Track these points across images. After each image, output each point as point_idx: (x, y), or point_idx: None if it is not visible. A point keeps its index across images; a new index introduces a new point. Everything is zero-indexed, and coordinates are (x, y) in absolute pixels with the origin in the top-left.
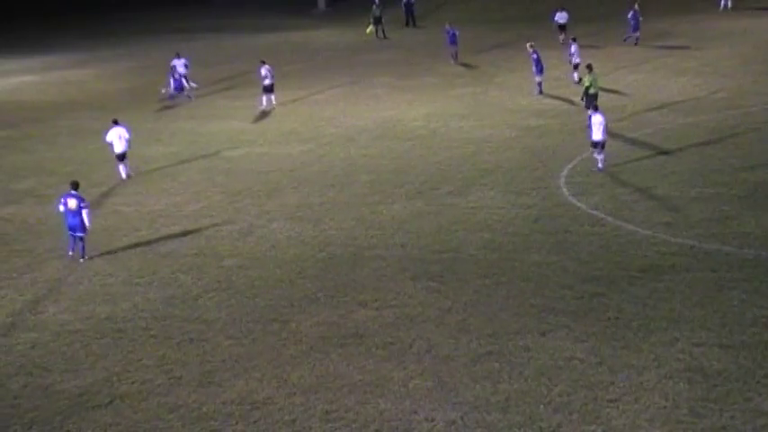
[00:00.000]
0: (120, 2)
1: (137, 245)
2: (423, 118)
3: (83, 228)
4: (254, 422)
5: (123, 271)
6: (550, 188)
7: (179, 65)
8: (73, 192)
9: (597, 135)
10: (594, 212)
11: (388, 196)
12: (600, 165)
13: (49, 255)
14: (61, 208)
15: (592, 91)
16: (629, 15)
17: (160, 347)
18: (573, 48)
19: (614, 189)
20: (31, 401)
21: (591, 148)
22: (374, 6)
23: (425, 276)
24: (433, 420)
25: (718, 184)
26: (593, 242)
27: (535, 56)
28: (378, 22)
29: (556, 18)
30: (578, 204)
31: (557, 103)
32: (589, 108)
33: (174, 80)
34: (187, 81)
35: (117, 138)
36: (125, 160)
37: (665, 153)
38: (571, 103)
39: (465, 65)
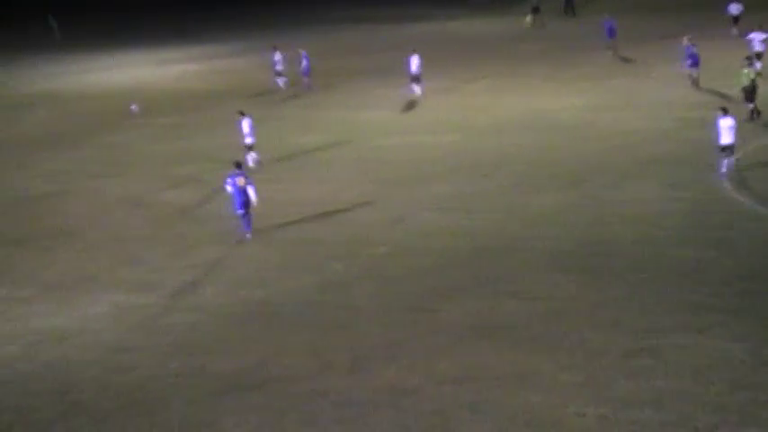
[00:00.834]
0: None
1: (291, 231)
2: (577, 109)
3: (249, 204)
4: (403, 410)
5: (277, 256)
6: (709, 181)
7: (278, 58)
8: (238, 171)
9: (726, 139)
10: (757, 207)
11: (540, 187)
12: (724, 170)
13: (209, 239)
14: (229, 188)
15: (746, 83)
16: None
17: (312, 333)
18: (754, 35)
19: None
20: (190, 380)
21: (718, 153)
22: None
23: (577, 269)
24: (583, 415)
25: None
26: (755, 238)
27: (691, 50)
28: (536, 11)
29: (729, 9)
30: (740, 199)
31: (717, 95)
32: (750, 102)
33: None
34: (279, 75)
35: (248, 128)
36: (252, 150)
37: None
38: (724, 98)
39: (622, 56)
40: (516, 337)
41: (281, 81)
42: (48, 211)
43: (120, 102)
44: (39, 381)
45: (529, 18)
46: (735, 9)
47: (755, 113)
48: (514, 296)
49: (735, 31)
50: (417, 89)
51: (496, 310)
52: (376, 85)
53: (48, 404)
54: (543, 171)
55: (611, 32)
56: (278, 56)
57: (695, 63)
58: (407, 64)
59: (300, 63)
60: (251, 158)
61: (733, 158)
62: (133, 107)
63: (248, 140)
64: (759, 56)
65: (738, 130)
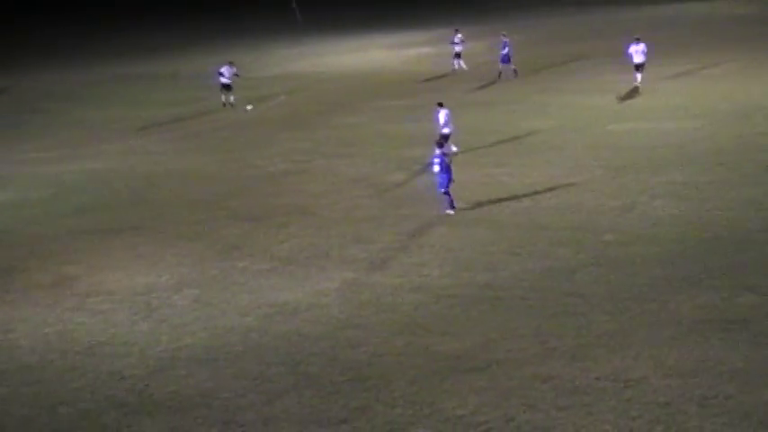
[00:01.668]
0: None
1: (518, 215)
2: None
3: (445, 184)
4: (627, 400)
5: (504, 240)
6: None
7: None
8: (440, 152)
9: None
10: None
11: None
12: None
13: (436, 220)
14: (436, 168)
15: None
16: None
17: (536, 318)
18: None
19: None
20: (414, 359)
21: None
22: None
23: None
24: None
25: None
26: None
27: None
28: None
29: None
30: None
31: None
32: None
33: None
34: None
35: (444, 118)
36: (448, 140)
37: None
38: None
39: None
40: (752, 332)
41: (456, 63)
42: (284, 189)
43: (356, 84)
44: (272, 352)
45: None
46: None
47: None
48: (751, 290)
49: None
50: (639, 78)
51: (730, 304)
52: (608, 70)
53: (280, 375)
54: None
55: None
56: (457, 38)
57: None
58: (626, 52)
59: (502, 49)
60: (449, 149)
61: None
62: (248, 107)
63: (445, 130)
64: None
65: None
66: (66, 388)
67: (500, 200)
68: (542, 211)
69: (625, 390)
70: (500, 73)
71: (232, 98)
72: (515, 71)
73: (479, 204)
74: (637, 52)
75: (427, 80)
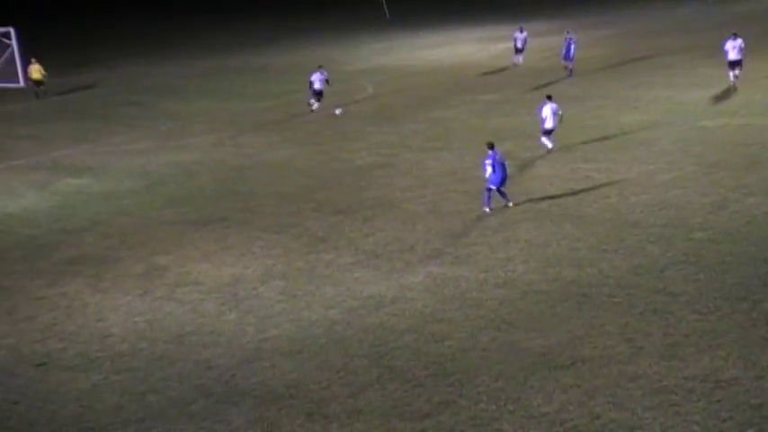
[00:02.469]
0: None
1: (606, 211)
2: None
3: (499, 182)
4: (717, 401)
5: (591, 237)
6: None
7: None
8: (493, 151)
9: None
10: None
11: None
12: None
13: (522, 216)
14: (488, 170)
15: None
16: None
17: (623, 315)
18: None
19: None
20: (499, 355)
21: None
22: None
23: None
24: None
25: None
26: None
27: None
28: None
29: None
30: None
31: None
32: None
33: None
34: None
35: (550, 113)
36: (550, 135)
37: None
38: None
39: None
40: None
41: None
42: (371, 182)
43: (443, 78)
44: (356, 345)
45: None
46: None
47: None
48: None
49: None
50: (732, 76)
51: None
52: (700, 65)
53: (364, 367)
54: None
55: None
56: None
57: None
58: (723, 48)
59: (567, 47)
60: (546, 140)
61: None
62: (338, 111)
63: (548, 125)
64: (733, 65)
65: None
66: (156, 376)
67: (588, 195)
68: (631, 208)
69: (715, 390)
70: (569, 69)
71: (316, 105)
72: (571, 70)
73: (564, 200)
74: (734, 48)
75: (516, 74)
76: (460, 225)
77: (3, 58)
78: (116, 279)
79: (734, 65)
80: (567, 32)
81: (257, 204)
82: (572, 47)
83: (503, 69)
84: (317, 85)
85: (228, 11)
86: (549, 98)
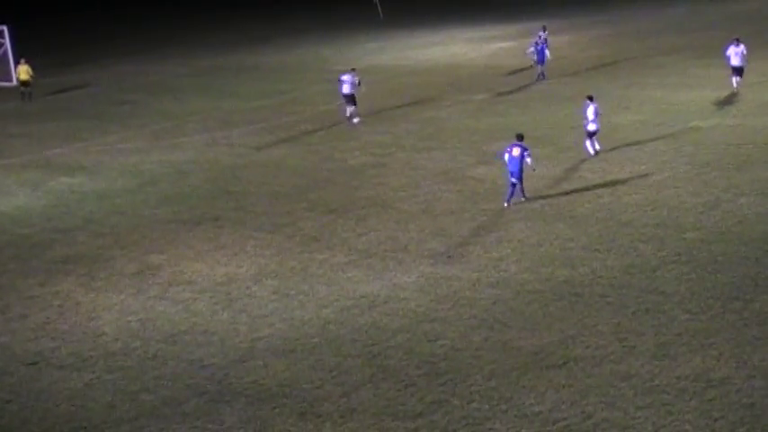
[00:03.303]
0: None
1: (598, 211)
2: None
3: (520, 174)
4: (709, 400)
5: (583, 236)
6: None
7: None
8: (518, 142)
9: None
10: None
11: None
12: None
13: (515, 215)
14: (506, 156)
15: None
16: None
17: (615, 315)
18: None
19: None
20: (491, 354)
21: None
22: None
23: None
24: None
25: None
26: None
27: None
28: None
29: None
30: None
31: None
32: None
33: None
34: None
35: (594, 115)
36: (594, 137)
37: None
38: None
39: None
40: None
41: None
42: (364, 182)
43: (437, 78)
44: (349, 344)
45: None
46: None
47: None
48: None
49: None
50: (735, 82)
51: None
52: (692, 65)
53: (357, 367)
54: None
55: None
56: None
57: None
58: (724, 54)
59: (541, 50)
60: (589, 145)
61: None
62: (356, 120)
63: (591, 127)
64: (736, 71)
65: None
66: (148, 375)
67: (580, 195)
68: (623, 208)
69: (707, 390)
70: (542, 73)
71: (348, 111)
72: (543, 74)
73: (558, 200)
74: (736, 54)
75: (509, 74)
76: (454, 224)
77: None
78: (109, 278)
79: (737, 71)
80: (540, 35)
81: (250, 204)
82: (545, 50)
83: (497, 69)
84: (346, 89)
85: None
86: (591, 99)
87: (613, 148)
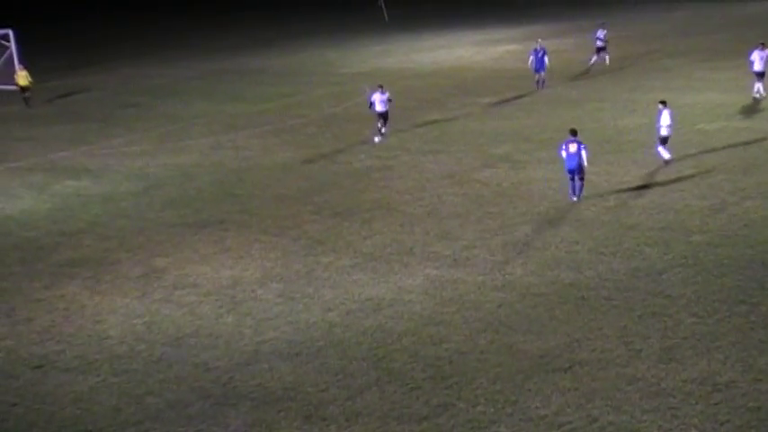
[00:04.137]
0: None
1: (604, 214)
2: None
3: (581, 170)
4: (715, 404)
5: (589, 240)
6: None
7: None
8: (573, 138)
9: None
10: None
11: None
12: None
13: (521, 218)
14: (563, 153)
15: None
16: None
17: (621, 318)
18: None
19: None
20: (497, 358)
21: None
22: None
23: None
24: None
25: None
26: None
27: None
28: None
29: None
30: None
31: None
32: None
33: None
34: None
35: (669, 120)
36: (665, 144)
37: None
38: None
39: None
40: None
41: (598, 57)
42: (369, 185)
43: (442, 81)
44: (354, 347)
45: None
46: None
47: None
48: None
49: None
50: (757, 89)
51: None
52: (698, 68)
53: (362, 370)
54: None
55: None
56: (602, 33)
57: None
58: (749, 58)
59: (540, 58)
60: (663, 150)
61: None
62: (377, 139)
63: (664, 132)
64: (760, 76)
65: None
66: (154, 378)
67: (586, 198)
68: (629, 211)
69: (713, 393)
70: (539, 82)
71: (384, 129)
72: (543, 82)
73: (564, 203)
74: (761, 59)
75: (514, 77)
76: (459, 227)
77: (1, 61)
78: (114, 281)
79: (760, 76)
80: (538, 42)
81: (255, 207)
82: (545, 58)
83: (502, 72)
84: (379, 107)
85: (227, 13)
86: (664, 103)
87: (619, 152)
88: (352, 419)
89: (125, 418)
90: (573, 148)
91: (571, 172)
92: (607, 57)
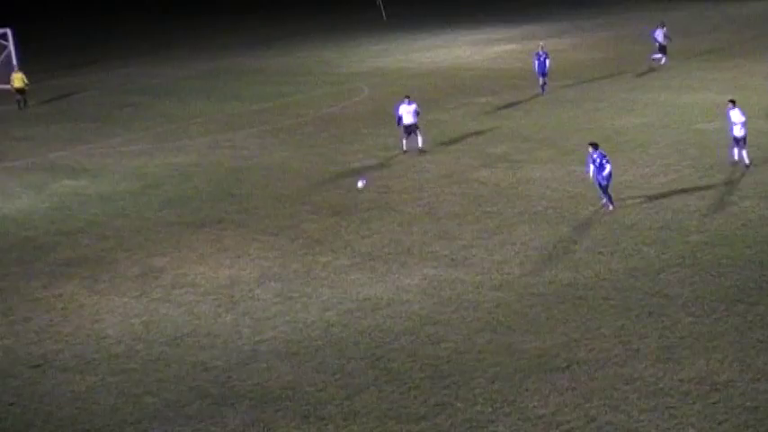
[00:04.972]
0: None
1: (602, 214)
2: None
3: (607, 179)
4: (713, 404)
5: (587, 239)
6: None
7: (659, 34)
8: (595, 150)
9: None
10: None
11: None
12: None
13: (519, 218)
14: (591, 168)
15: None
16: None
17: (619, 318)
18: None
19: None
20: (495, 357)
21: None
22: None
23: None
24: None
25: None
26: None
27: None
28: None
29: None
30: None
31: None
32: None
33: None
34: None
35: (739, 117)
36: (741, 144)
37: None
38: None
39: None
40: None
41: (658, 57)
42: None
43: (440, 81)
44: (353, 347)
45: None
46: None
47: None
48: None
49: None
50: None
51: None
52: (699, 67)
53: (360, 369)
54: None
55: None
56: (659, 32)
57: None
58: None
59: (537, 60)
60: (736, 152)
61: None
62: (362, 182)
63: (738, 132)
64: None
65: None
66: (152, 378)
67: (584, 198)
68: (627, 210)
69: (711, 393)
70: (543, 85)
71: (420, 142)
72: (545, 85)
73: (561, 203)
74: None
75: (513, 77)
76: (457, 227)
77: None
78: (112, 281)
79: None
80: (541, 46)
81: (253, 206)
82: (546, 61)
83: (500, 72)
84: (408, 119)
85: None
86: (733, 102)
87: (617, 151)
88: (350, 419)
89: (123, 418)
90: (598, 160)
91: (600, 185)
92: (664, 57)
